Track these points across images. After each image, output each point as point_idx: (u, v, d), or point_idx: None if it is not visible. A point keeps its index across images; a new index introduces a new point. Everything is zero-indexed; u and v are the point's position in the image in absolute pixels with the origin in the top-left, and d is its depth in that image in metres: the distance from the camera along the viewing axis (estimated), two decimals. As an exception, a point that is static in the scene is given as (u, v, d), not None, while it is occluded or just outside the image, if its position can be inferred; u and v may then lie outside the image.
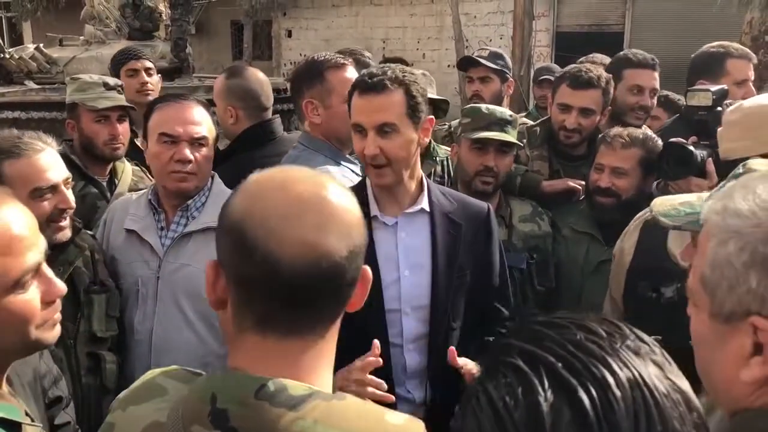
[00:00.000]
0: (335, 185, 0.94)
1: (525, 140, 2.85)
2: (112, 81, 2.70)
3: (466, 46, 12.29)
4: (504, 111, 2.50)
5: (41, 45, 8.29)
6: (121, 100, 2.63)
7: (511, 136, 2.42)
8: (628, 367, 0.57)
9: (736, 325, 0.81)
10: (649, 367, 0.58)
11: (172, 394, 0.95)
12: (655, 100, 2.96)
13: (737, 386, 0.82)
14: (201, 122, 2.04)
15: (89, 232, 2.14)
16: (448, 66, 12.97)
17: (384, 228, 1.86)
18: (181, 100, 2.10)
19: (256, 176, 0.94)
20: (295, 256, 0.85)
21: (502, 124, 2.42)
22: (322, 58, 2.36)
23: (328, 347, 0.93)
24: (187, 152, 1.99)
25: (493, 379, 0.60)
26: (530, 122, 3.10)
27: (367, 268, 0.95)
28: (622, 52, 3.13)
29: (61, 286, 1.24)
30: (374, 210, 1.85)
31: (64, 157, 2.54)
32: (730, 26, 9.39)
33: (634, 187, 2.40)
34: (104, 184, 2.63)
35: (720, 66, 2.78)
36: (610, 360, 0.57)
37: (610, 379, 0.56)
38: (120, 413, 0.99)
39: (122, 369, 2.03)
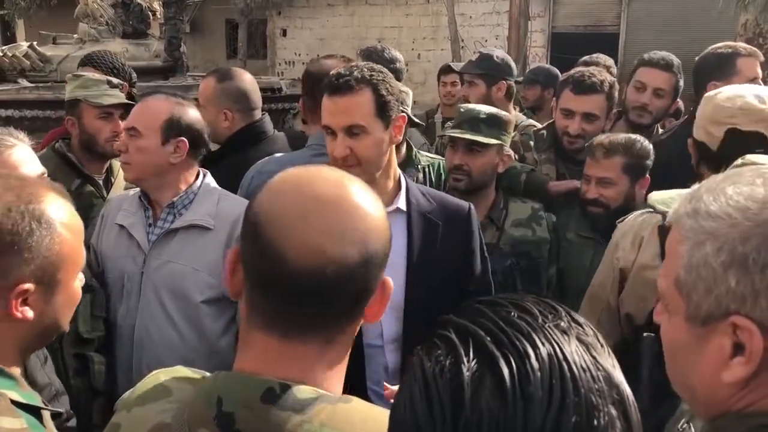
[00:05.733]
0: (359, 188, 0.92)
1: (532, 143, 2.84)
2: (114, 79, 2.70)
3: (462, 47, 12.29)
4: (481, 110, 2.44)
5: (35, 43, 8.23)
6: (122, 98, 2.63)
7: (482, 136, 2.36)
8: (550, 342, 0.60)
9: (714, 327, 0.81)
10: (572, 344, 0.61)
11: (176, 396, 0.95)
12: (662, 102, 2.93)
13: (719, 390, 0.82)
14: (135, 114, 2.09)
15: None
16: (444, 66, 12.98)
17: None
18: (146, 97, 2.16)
19: (283, 173, 0.93)
20: (299, 259, 0.85)
21: (473, 123, 2.38)
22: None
23: (336, 354, 0.92)
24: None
25: (429, 352, 0.64)
26: (538, 125, 3.09)
27: (389, 279, 0.94)
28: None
29: (83, 277, 1.30)
30: None
31: (61, 155, 2.56)
32: (725, 28, 9.42)
33: (621, 195, 2.37)
34: (100, 182, 2.63)
35: (731, 65, 2.77)
36: (534, 335, 0.61)
37: (531, 352, 0.59)
38: (125, 414, 0.98)
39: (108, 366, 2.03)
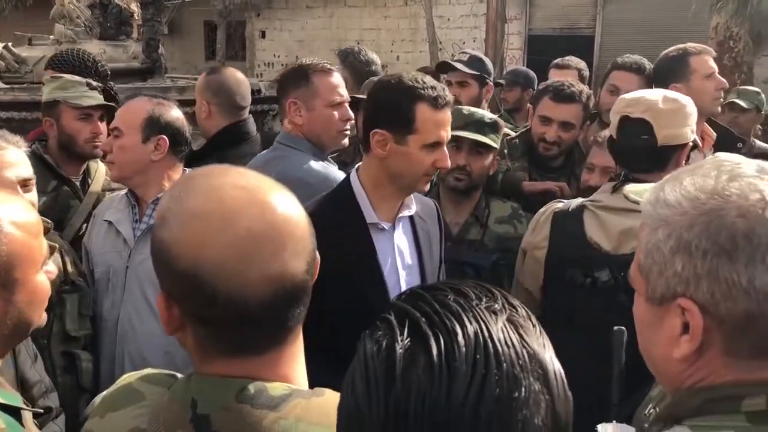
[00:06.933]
0: (277, 196, 0.90)
1: (506, 151, 2.88)
2: (93, 82, 2.70)
3: (440, 49, 12.36)
4: (485, 114, 2.52)
5: (10, 44, 8.13)
6: (101, 99, 2.63)
7: (487, 139, 2.44)
8: (477, 321, 0.64)
9: (667, 307, 0.87)
10: (500, 323, 0.65)
11: (149, 399, 0.95)
12: None
13: (672, 365, 0.89)
14: (117, 114, 2.18)
15: (57, 232, 2.16)
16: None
17: (381, 233, 1.90)
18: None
19: (192, 208, 0.87)
20: (260, 293, 0.85)
21: (479, 125, 2.45)
22: (310, 62, 2.41)
23: (298, 345, 0.95)
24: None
25: (371, 335, 0.67)
26: (511, 133, 3.14)
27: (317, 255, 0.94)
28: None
29: (54, 269, 1.30)
30: (372, 217, 1.87)
31: (38, 157, 2.55)
32: (697, 31, 9.57)
33: None
34: (77, 183, 2.62)
35: (685, 66, 2.84)
36: (463, 315, 0.64)
37: (459, 330, 0.63)
38: (98, 420, 0.98)
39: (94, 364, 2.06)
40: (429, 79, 1.82)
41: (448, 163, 1.86)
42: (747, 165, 0.87)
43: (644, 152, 2.01)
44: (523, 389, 0.61)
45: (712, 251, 0.82)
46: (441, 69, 3.36)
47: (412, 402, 0.60)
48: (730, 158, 0.90)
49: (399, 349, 0.63)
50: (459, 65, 3.24)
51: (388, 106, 1.82)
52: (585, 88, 2.83)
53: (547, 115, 2.76)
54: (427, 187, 1.93)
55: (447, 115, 1.82)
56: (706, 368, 0.86)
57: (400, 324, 0.65)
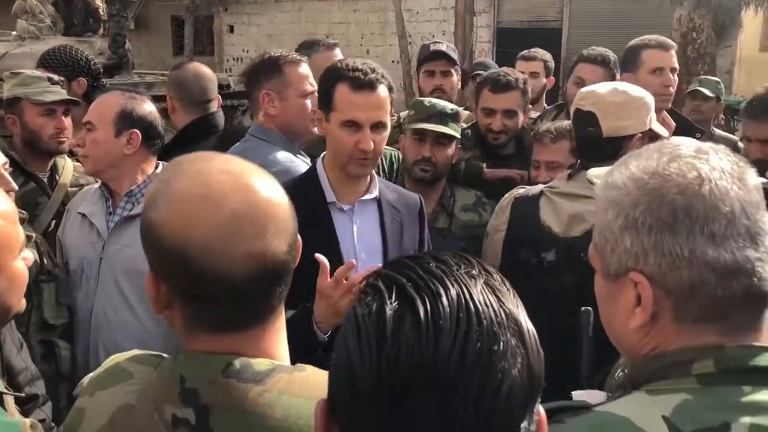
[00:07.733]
0: (260, 180, 0.94)
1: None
2: (55, 76, 2.69)
3: (410, 42, 12.38)
4: (446, 105, 2.58)
5: (-29, 40, 7.96)
6: (64, 94, 2.61)
7: (450, 129, 2.50)
8: (459, 285, 0.70)
9: (622, 282, 0.94)
10: (479, 286, 0.71)
11: (137, 378, 0.99)
12: None
13: (629, 335, 0.95)
14: (90, 109, 2.19)
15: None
16: (393, 61, 13.04)
17: (341, 213, 1.96)
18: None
19: (179, 190, 0.92)
20: (244, 270, 0.89)
21: (441, 116, 2.51)
22: (280, 53, 2.46)
23: (281, 323, 0.99)
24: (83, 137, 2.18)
25: (361, 300, 0.72)
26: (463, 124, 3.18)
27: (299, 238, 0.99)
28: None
29: (30, 256, 1.33)
30: (331, 197, 1.94)
31: (4, 154, 2.53)
32: (661, 23, 9.74)
33: None
34: (45, 180, 2.60)
35: (636, 57, 2.92)
36: (446, 279, 0.70)
37: (442, 293, 0.68)
38: (88, 398, 1.01)
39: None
40: (360, 64, 1.88)
41: (369, 145, 1.86)
42: (686, 147, 0.93)
43: (591, 143, 2.11)
44: (501, 343, 0.67)
45: (656, 226, 0.89)
46: (434, 57, 3.33)
47: (402, 356, 0.65)
48: (672, 142, 0.97)
49: (388, 311, 0.68)
50: (448, 51, 3.27)
51: (320, 87, 1.96)
52: (521, 75, 2.92)
53: (489, 107, 2.84)
54: (364, 171, 1.94)
55: (369, 97, 1.85)
56: (659, 336, 0.92)
57: (388, 289, 0.70)
